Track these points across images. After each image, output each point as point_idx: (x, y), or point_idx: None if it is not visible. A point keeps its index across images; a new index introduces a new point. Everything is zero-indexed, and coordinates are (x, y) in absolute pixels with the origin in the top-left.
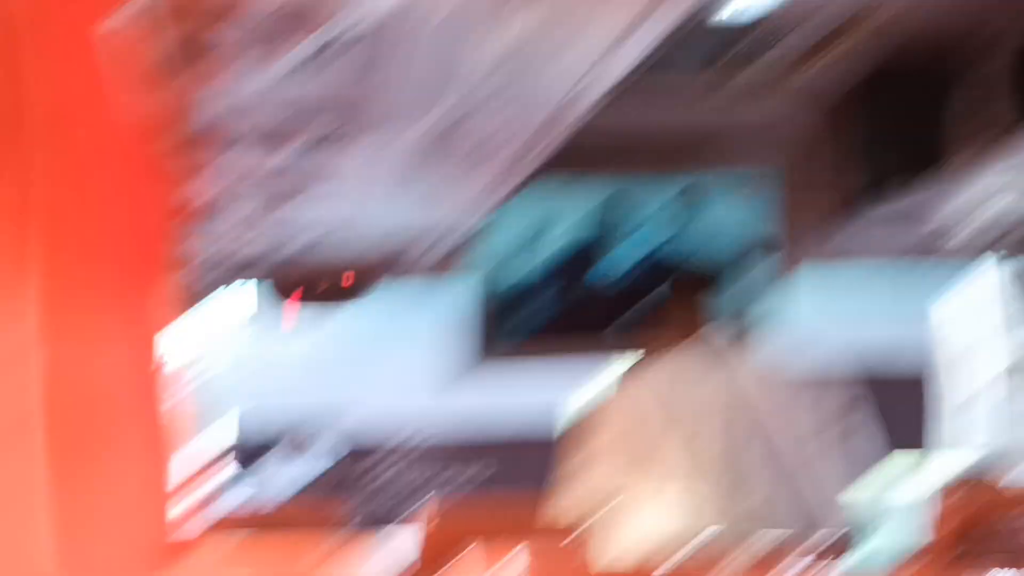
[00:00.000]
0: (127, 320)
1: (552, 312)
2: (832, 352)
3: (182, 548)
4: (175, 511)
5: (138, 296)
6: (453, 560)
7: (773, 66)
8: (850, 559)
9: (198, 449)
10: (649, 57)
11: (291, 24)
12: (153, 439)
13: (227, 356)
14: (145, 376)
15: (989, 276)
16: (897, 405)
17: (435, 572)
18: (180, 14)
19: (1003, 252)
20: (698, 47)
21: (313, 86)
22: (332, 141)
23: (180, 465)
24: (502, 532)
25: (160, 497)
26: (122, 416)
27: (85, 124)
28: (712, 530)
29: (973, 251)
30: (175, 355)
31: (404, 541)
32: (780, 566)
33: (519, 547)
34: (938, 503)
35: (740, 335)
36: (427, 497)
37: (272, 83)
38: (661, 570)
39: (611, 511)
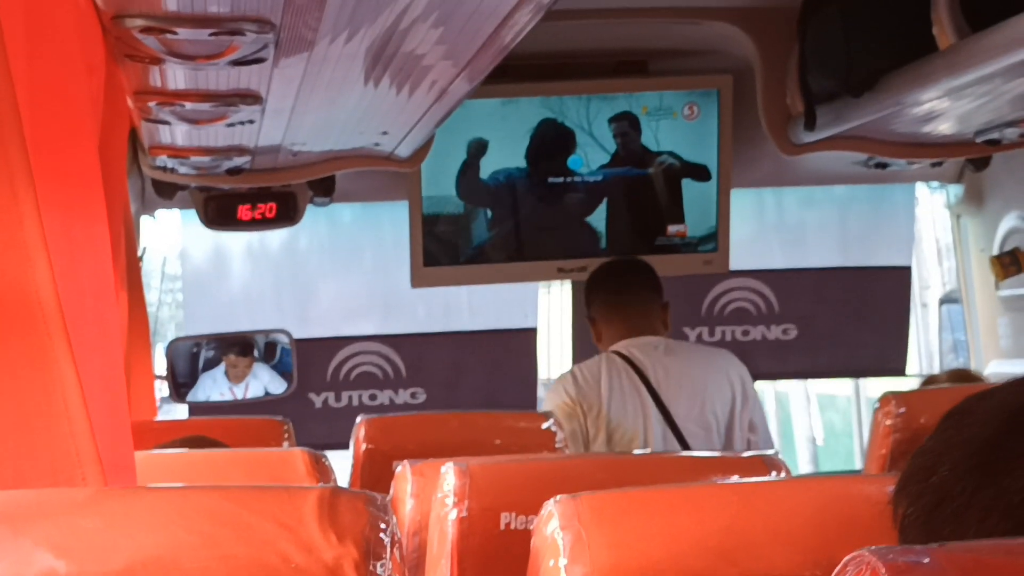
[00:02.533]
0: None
1: (487, 237)
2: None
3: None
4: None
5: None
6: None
7: None
8: None
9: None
10: None
11: None
12: (109, 348)
13: (163, 279)
14: (102, 282)
15: (924, 205)
16: (832, 329)
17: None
18: None
19: (938, 182)
20: None
21: (236, 1)
22: (258, 61)
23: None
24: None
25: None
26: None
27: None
28: None
29: (909, 179)
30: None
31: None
32: None
33: (448, 465)
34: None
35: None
36: (359, 419)
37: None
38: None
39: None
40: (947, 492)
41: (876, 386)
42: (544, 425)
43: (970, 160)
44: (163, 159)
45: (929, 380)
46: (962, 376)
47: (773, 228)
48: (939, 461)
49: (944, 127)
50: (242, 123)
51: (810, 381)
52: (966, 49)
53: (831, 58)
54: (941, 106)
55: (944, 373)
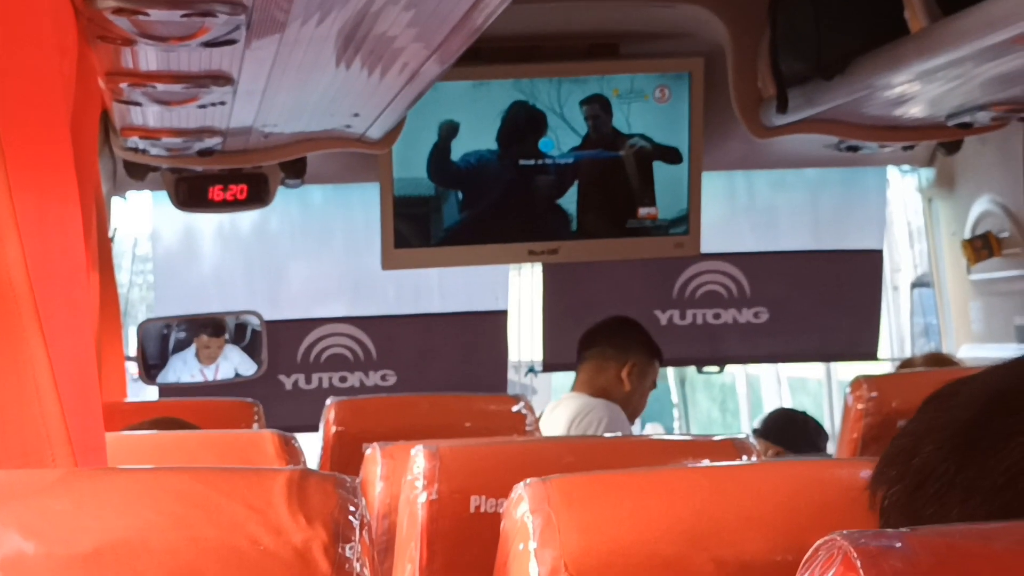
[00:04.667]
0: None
1: (458, 219)
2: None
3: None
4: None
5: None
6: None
7: None
8: None
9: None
10: None
11: None
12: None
13: (134, 260)
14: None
15: (895, 188)
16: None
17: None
18: None
19: (910, 165)
20: None
21: None
22: (230, 42)
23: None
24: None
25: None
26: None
27: None
28: None
29: (881, 162)
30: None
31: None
32: None
33: (417, 447)
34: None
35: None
36: (329, 401)
37: None
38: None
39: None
40: (929, 473)
41: (847, 370)
42: (514, 408)
43: (942, 143)
44: (135, 140)
45: (905, 364)
46: (938, 360)
47: (744, 211)
48: (921, 442)
49: (916, 110)
50: (213, 104)
51: (781, 364)
52: (938, 32)
53: (803, 41)
54: (913, 89)
55: (920, 357)
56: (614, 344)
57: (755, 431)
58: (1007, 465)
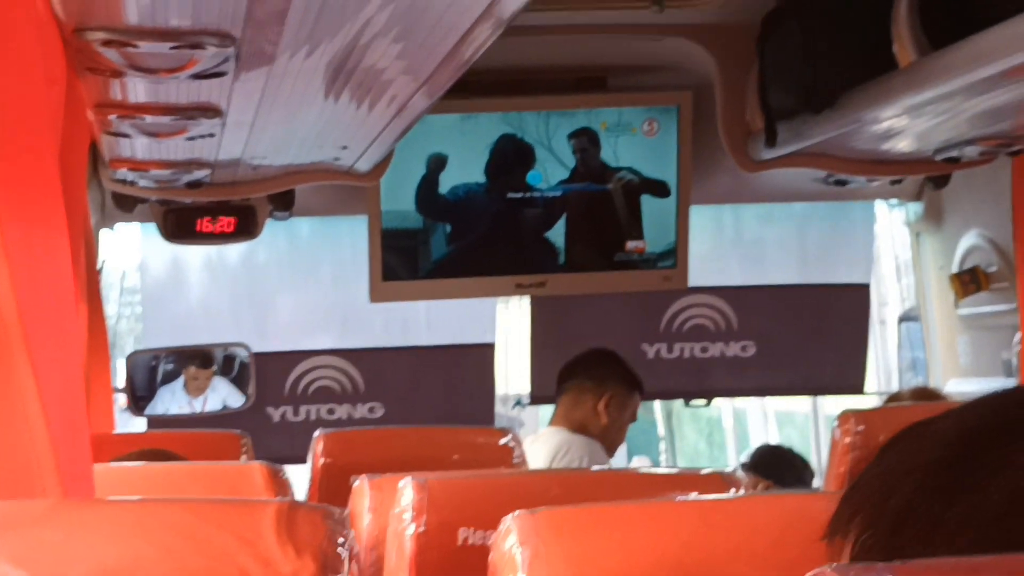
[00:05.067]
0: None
1: (446, 252)
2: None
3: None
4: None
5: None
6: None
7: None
8: None
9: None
10: None
11: None
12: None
13: (122, 292)
14: (62, 290)
15: (883, 222)
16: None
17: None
18: None
19: (897, 199)
20: None
21: (197, 15)
22: (219, 74)
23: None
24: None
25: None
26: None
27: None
28: None
29: (869, 196)
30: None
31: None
32: None
33: (406, 480)
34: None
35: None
36: (317, 433)
37: (153, 13)
38: None
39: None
40: (910, 513)
41: (834, 404)
42: (502, 441)
43: (930, 178)
44: (123, 172)
45: (892, 398)
46: (925, 394)
47: (732, 244)
48: (898, 483)
49: (904, 145)
50: (202, 136)
51: (768, 398)
52: (926, 67)
53: (791, 75)
54: (901, 124)
55: (907, 391)
56: (592, 376)
57: (743, 465)
58: (997, 499)
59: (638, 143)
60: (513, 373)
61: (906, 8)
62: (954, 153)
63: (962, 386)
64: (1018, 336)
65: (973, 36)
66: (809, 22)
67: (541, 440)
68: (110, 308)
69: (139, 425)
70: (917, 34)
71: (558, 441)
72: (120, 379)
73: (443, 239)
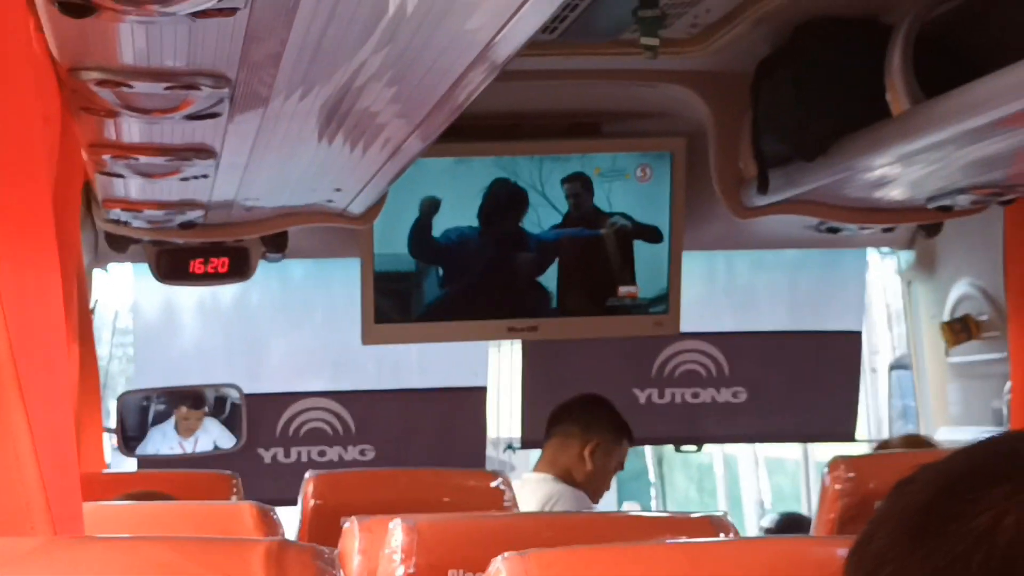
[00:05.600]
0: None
1: (439, 295)
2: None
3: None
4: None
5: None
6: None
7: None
8: None
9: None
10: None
11: None
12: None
13: (115, 332)
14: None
15: (875, 270)
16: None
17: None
18: None
19: (889, 247)
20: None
21: (192, 56)
22: (213, 116)
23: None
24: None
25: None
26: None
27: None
28: None
29: (861, 244)
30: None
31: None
32: None
33: (395, 521)
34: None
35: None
36: (308, 474)
37: (148, 53)
38: None
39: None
40: (882, 559)
41: (825, 450)
42: (492, 484)
43: (922, 226)
44: (116, 212)
45: (882, 445)
46: (915, 442)
47: (724, 291)
48: (878, 529)
49: (896, 193)
50: (196, 177)
51: (759, 445)
52: (919, 115)
53: (784, 122)
54: (893, 172)
55: (897, 439)
56: (579, 422)
57: (767, 531)
58: (956, 543)
59: (631, 189)
60: (504, 417)
61: (899, 57)
62: (946, 202)
63: (952, 434)
64: (1008, 385)
65: (966, 85)
66: (802, 70)
67: (528, 488)
68: (102, 348)
69: (130, 465)
70: (910, 83)
71: (547, 492)
72: (112, 419)
73: (436, 282)
